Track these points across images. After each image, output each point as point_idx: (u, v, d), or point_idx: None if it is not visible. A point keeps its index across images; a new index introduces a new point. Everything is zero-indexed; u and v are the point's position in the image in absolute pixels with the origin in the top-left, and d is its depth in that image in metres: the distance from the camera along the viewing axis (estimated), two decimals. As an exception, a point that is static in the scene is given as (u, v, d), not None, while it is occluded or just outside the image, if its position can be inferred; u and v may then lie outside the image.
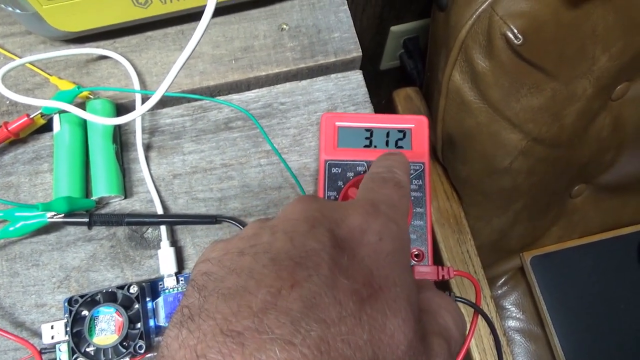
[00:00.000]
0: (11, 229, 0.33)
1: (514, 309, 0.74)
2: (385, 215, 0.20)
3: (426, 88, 0.67)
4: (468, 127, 0.56)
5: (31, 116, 0.36)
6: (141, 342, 0.32)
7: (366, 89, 0.40)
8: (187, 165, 0.38)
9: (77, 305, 0.32)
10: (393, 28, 0.80)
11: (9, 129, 0.36)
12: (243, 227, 0.36)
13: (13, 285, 0.35)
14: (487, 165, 0.58)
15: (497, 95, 0.51)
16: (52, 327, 0.33)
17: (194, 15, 0.41)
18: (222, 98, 0.40)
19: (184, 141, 0.38)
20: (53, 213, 0.33)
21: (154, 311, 0.34)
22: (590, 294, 0.71)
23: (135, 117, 0.31)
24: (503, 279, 0.75)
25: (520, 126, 0.54)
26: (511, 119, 0.53)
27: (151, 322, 0.33)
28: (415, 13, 0.77)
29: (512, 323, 0.73)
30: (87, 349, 0.32)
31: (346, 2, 0.42)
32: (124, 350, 0.32)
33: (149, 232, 0.36)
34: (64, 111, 0.36)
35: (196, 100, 0.39)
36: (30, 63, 0.38)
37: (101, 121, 0.32)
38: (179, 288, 0.34)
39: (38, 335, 0.34)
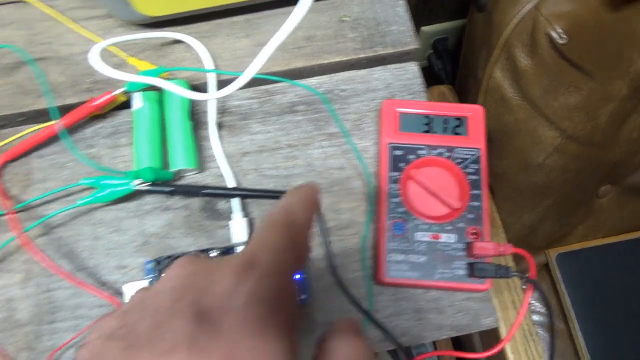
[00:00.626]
0: (100, 194, 0.36)
1: (537, 304, 0.76)
2: (261, 270, 0.18)
3: (459, 86, 0.70)
4: (506, 123, 0.58)
5: (113, 93, 0.39)
6: (219, 302, 0.35)
7: (422, 80, 0.43)
8: (255, 145, 0.41)
9: (160, 266, 0.35)
10: (424, 28, 0.82)
11: (94, 104, 0.39)
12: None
13: (96, 248, 0.38)
14: (523, 161, 0.61)
15: (537, 92, 0.54)
16: (134, 287, 0.36)
17: (259, 6, 0.44)
18: (298, 81, 0.42)
19: (252, 122, 0.41)
20: (138, 181, 0.36)
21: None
22: (613, 291, 0.73)
23: (228, 93, 0.34)
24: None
25: (557, 123, 0.56)
26: (549, 116, 0.55)
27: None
28: (446, 14, 0.80)
29: (535, 317, 0.75)
30: (169, 306, 0.35)
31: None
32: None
33: (221, 203, 0.39)
34: (145, 89, 0.39)
35: (264, 83, 0.42)
36: (113, 44, 0.41)
37: (196, 96, 0.35)
38: (250, 256, 0.37)
39: (120, 294, 0.37)
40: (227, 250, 0.37)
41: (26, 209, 0.39)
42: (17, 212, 0.38)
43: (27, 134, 0.40)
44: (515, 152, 0.60)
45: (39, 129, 0.40)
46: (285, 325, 0.18)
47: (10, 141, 0.40)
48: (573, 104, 0.54)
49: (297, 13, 0.29)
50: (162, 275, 0.18)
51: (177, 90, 0.35)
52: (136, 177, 0.35)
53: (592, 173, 0.66)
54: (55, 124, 0.38)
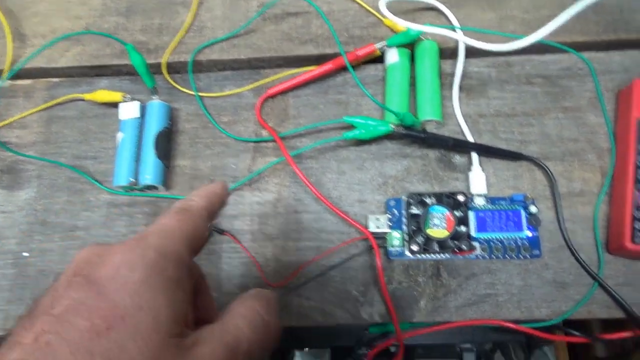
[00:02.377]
0: (362, 131, 0.40)
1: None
2: (147, 244, 0.22)
3: None
4: None
5: (375, 46, 0.43)
6: (465, 242, 0.37)
7: (661, 67, 0.43)
8: (491, 108, 0.43)
9: (413, 201, 0.38)
10: None
11: (359, 53, 0.43)
12: (544, 167, 0.40)
13: (340, 181, 0.42)
14: None
15: None
16: (377, 219, 0.40)
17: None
18: (523, 57, 0.45)
19: (489, 88, 0.44)
20: (395, 124, 0.40)
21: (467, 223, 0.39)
22: None
23: (518, 47, 0.37)
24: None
25: None
26: None
27: (468, 228, 0.39)
28: None
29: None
30: (419, 239, 0.38)
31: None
32: (452, 245, 0.37)
33: (457, 158, 0.42)
34: (400, 46, 0.43)
35: (503, 56, 0.45)
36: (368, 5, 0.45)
37: (486, 46, 0.39)
38: (487, 207, 0.40)
39: (362, 224, 0.41)
40: (471, 198, 0.40)
41: (283, 139, 0.44)
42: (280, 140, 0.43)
43: (286, 75, 0.45)
44: None
45: (300, 72, 0.45)
46: (165, 287, 0.21)
47: (271, 80, 0.46)
48: None
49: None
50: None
51: (468, 41, 0.39)
52: (402, 120, 0.39)
53: None
54: (326, 66, 0.43)
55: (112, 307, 0.19)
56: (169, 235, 0.23)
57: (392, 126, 0.40)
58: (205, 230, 0.26)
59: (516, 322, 0.38)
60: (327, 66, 0.43)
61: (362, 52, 0.43)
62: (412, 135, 0.40)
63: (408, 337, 0.38)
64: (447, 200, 0.39)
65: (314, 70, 0.44)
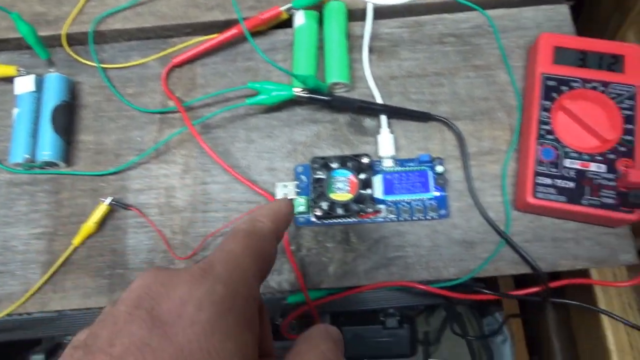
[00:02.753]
0: (264, 97, 0.39)
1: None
2: (215, 276, 0.19)
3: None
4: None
5: (280, 8, 0.42)
6: (370, 204, 0.37)
7: (572, 22, 0.43)
8: (402, 70, 0.43)
9: (317, 165, 0.38)
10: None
11: (263, 16, 0.41)
12: (453, 127, 0.40)
13: (249, 150, 0.41)
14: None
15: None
16: (285, 186, 0.39)
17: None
18: (434, 16, 0.44)
19: (401, 49, 0.43)
20: (300, 89, 0.39)
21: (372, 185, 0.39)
22: None
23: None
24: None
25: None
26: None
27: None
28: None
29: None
30: (322, 204, 0.37)
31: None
32: (355, 208, 0.37)
33: (367, 121, 0.41)
34: (306, 7, 0.42)
35: (414, 15, 0.44)
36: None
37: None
38: (395, 169, 0.39)
39: (269, 192, 0.40)
40: (375, 162, 0.39)
41: (189, 108, 0.42)
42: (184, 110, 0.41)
43: (193, 43, 0.44)
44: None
45: (209, 38, 0.43)
46: (234, 328, 0.19)
47: (178, 49, 0.44)
48: None
49: None
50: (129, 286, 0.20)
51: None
52: (302, 82, 0.38)
53: None
54: (230, 31, 0.41)
55: (177, 352, 0.17)
56: (238, 265, 0.21)
57: (296, 90, 0.39)
58: (274, 256, 0.23)
59: (425, 282, 0.38)
60: (231, 32, 0.42)
61: (265, 15, 0.42)
62: (316, 98, 0.39)
63: (324, 304, 0.38)
64: (352, 163, 0.38)
65: (217, 37, 0.42)
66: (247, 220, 0.24)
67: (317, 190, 0.37)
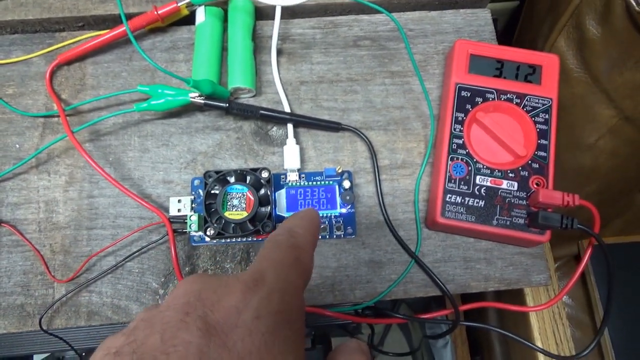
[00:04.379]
0: (155, 102, 0.35)
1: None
2: (268, 286, 0.19)
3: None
4: (561, 97, 0.56)
5: (178, 4, 0.38)
6: (268, 222, 0.34)
7: (493, 28, 0.41)
8: (314, 74, 0.39)
9: (211, 180, 0.34)
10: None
11: (159, 12, 0.37)
12: (364, 138, 0.37)
13: (143, 160, 0.37)
14: (572, 140, 0.59)
15: (602, 66, 0.51)
16: (179, 201, 0.35)
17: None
18: (351, 17, 0.41)
19: (313, 52, 0.40)
20: (196, 94, 0.35)
21: (276, 202, 0.35)
22: (644, 291, 0.71)
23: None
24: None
25: (616, 102, 0.54)
26: (609, 92, 0.53)
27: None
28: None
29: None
30: (217, 222, 0.34)
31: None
32: (251, 228, 0.33)
33: (274, 130, 0.38)
34: (209, 4, 0.38)
35: (330, 14, 0.40)
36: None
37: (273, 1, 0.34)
38: (300, 183, 0.36)
39: (164, 208, 0.36)
40: (274, 177, 0.36)
41: (77, 112, 0.38)
42: (67, 115, 0.37)
43: (84, 38, 0.39)
44: (566, 129, 0.58)
45: (96, 35, 0.39)
46: (292, 340, 0.18)
47: (67, 44, 0.39)
48: (639, 81, 0.52)
49: None
50: (170, 292, 0.18)
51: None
52: (195, 87, 0.34)
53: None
54: (120, 28, 0.37)
55: None
56: (289, 277, 0.20)
57: (192, 96, 0.35)
58: (312, 269, 0.22)
59: (330, 306, 0.35)
60: (123, 28, 0.38)
61: (162, 11, 0.37)
62: (213, 105, 0.35)
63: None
64: (250, 177, 0.35)
65: (109, 33, 0.38)
66: (284, 231, 0.23)
67: (210, 208, 0.34)
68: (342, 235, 0.35)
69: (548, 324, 0.58)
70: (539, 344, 0.60)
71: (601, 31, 0.49)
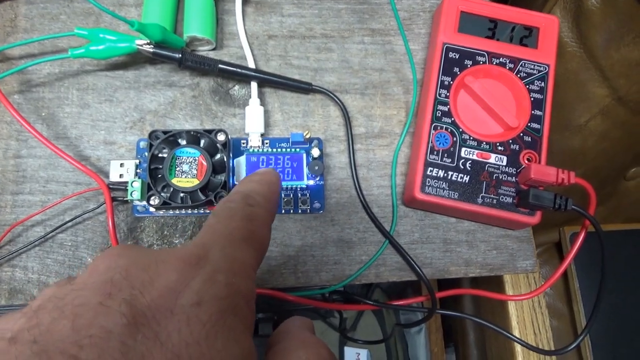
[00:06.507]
0: (95, 48, 0.30)
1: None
2: (213, 264, 0.16)
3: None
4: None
5: (129, -63, 0.32)
6: (223, 192, 0.29)
7: (487, -14, 0.36)
8: (284, 28, 0.35)
9: (158, 141, 0.29)
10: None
11: (104, -55, 0.32)
12: (338, 102, 0.33)
13: (82, 116, 0.32)
14: (562, 120, 0.55)
15: (599, 39, 0.48)
16: (121, 165, 0.30)
17: None
18: (330, -34, 0.36)
19: (285, 2, 0.35)
20: (143, 42, 0.30)
21: (233, 170, 0.31)
22: (625, 279, 0.69)
23: None
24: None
25: (611, 80, 0.50)
26: (604, 69, 0.50)
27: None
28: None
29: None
30: (163, 190, 0.29)
31: None
32: (202, 198, 0.29)
33: (236, 89, 0.33)
34: (164, -61, 0.33)
35: (304, -39, 0.36)
36: None
37: None
38: (263, 149, 0.31)
39: (104, 172, 0.31)
40: (234, 142, 0.31)
41: (5, 58, 0.33)
42: (-7, 59, 0.32)
43: (16, -27, 0.34)
44: (557, 107, 0.54)
45: (31, -34, 0.33)
46: (239, 331, 0.15)
47: (-4, -21, 0.34)
48: (635, 59, 0.48)
49: None
50: (89, 266, 0.15)
51: None
52: (140, 30, 0.29)
53: (629, 148, 0.61)
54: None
55: (173, 359, 0.13)
56: (239, 254, 0.17)
57: (139, 43, 0.30)
58: (268, 242, 0.19)
59: (292, 290, 0.31)
60: (61, -40, 0.32)
61: (108, -58, 0.32)
62: (164, 55, 0.30)
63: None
64: (205, 140, 0.30)
65: (40, -36, 0.32)
66: (239, 197, 0.19)
67: (155, 173, 0.29)
68: (309, 210, 0.31)
69: (527, 313, 0.56)
70: (516, 333, 0.57)
71: (600, 1, 0.46)
